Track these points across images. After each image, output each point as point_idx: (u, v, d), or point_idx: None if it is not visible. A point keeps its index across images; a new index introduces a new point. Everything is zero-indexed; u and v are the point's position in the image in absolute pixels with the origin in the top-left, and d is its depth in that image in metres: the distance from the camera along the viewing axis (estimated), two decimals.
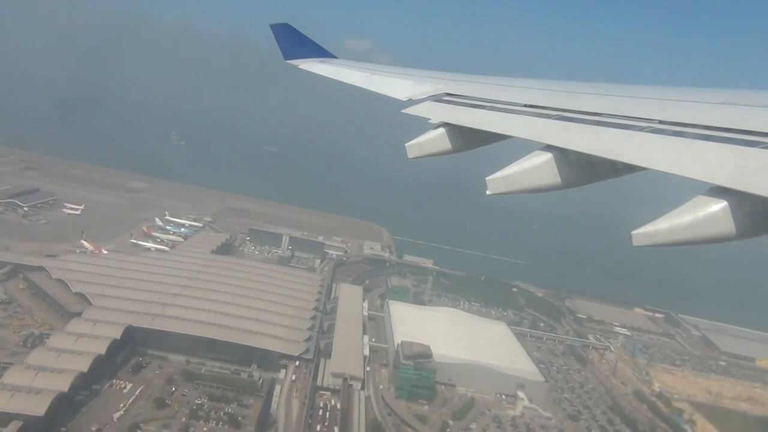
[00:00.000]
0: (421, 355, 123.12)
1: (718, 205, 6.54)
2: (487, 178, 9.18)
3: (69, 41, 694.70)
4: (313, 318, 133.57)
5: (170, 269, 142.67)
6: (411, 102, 15.22)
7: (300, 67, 25.21)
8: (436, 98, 14.74)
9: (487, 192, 9.21)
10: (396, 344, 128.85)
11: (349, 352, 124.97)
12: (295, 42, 25.90)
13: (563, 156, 9.11)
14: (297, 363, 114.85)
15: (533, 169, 9.16)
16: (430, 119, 13.17)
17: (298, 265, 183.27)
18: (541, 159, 9.18)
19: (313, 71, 23.85)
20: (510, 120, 11.60)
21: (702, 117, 8.43)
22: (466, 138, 12.20)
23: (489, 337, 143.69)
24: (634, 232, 6.79)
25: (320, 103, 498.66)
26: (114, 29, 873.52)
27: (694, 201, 6.76)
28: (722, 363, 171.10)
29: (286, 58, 26.04)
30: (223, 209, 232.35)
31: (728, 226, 6.51)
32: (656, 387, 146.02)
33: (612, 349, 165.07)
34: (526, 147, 9.70)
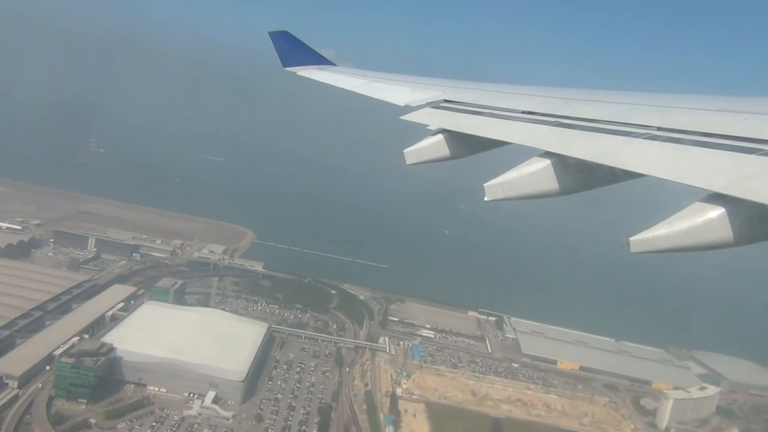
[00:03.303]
0: (91, 352, 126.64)
1: (716, 212, 7.17)
2: (485, 184, 10.05)
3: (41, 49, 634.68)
4: (24, 316, 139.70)
5: None
6: (409, 108, 16.21)
7: (299, 74, 26.87)
8: (435, 105, 15.72)
9: (485, 198, 10.10)
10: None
11: (33, 350, 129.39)
12: (293, 49, 27.74)
13: (561, 162, 9.96)
14: None
15: (531, 175, 10.12)
16: (428, 125, 14.11)
17: (91, 267, 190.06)
18: (540, 165, 10.12)
19: (312, 78, 25.54)
20: (508, 126, 12.47)
21: (700, 123, 9.28)
22: (464, 144, 13.16)
23: (223, 337, 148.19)
24: (631, 239, 7.40)
25: (306, 118, 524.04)
26: (94, 39, 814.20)
27: (692, 207, 7.38)
28: (515, 365, 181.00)
29: (285, 66, 27.78)
30: (73, 213, 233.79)
31: (726, 233, 7.14)
32: (401, 389, 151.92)
33: (389, 351, 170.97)
34: (524, 153, 10.51)
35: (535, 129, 11.86)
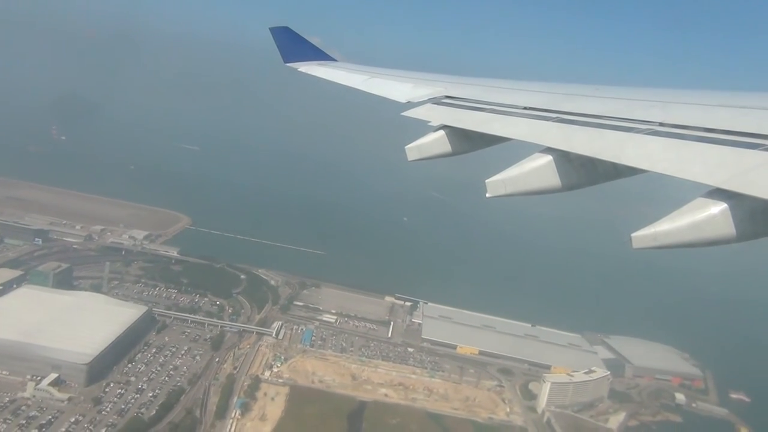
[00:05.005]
0: None
1: (718, 207, 7.11)
2: (487, 181, 9.94)
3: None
4: None
5: None
6: (410, 105, 16.31)
7: (300, 69, 27.19)
8: (436, 101, 15.72)
9: (488, 194, 9.98)
10: None
11: None
12: (294, 45, 28.21)
13: (563, 158, 9.90)
14: None
15: (533, 171, 10.03)
16: (429, 121, 14.15)
17: None
18: (542, 161, 10.04)
19: (313, 74, 25.76)
20: (510, 122, 12.50)
21: (702, 119, 9.31)
22: (466, 140, 13.16)
23: (87, 320, 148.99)
24: (634, 234, 7.29)
25: (303, 113, 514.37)
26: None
27: (694, 203, 7.31)
28: (410, 350, 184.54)
29: (285, 61, 28.14)
30: (2, 198, 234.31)
31: (728, 228, 7.09)
32: (271, 372, 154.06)
33: (275, 335, 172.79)
34: (526, 149, 10.55)
35: (537, 124, 11.83)
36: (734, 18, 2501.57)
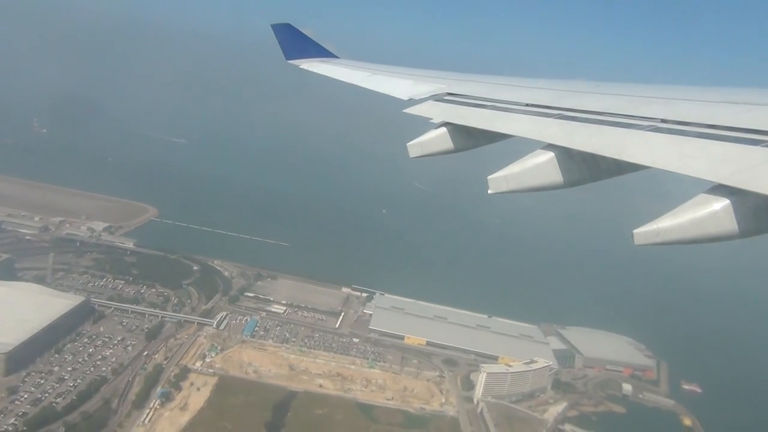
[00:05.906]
0: None
1: (720, 204, 7.23)
2: (489, 177, 10.11)
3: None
4: None
5: None
6: (412, 101, 16.28)
7: (301, 67, 27.26)
8: (438, 98, 15.73)
9: (489, 191, 10.14)
10: None
11: None
12: (296, 42, 28.18)
13: (565, 154, 9.99)
14: None
15: (535, 167, 10.15)
16: (431, 119, 14.20)
17: None
18: (543, 158, 10.15)
19: (315, 71, 25.82)
20: (512, 119, 12.56)
21: (704, 115, 9.28)
22: (468, 137, 13.30)
23: (15, 310, 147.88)
24: (636, 231, 7.38)
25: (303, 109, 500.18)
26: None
27: (696, 199, 7.42)
28: (356, 340, 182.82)
29: (287, 58, 28.20)
30: None
31: (731, 225, 7.21)
32: (203, 362, 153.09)
33: (215, 325, 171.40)
34: (528, 146, 10.59)
35: (539, 121, 11.86)
36: (737, 14, 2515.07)
